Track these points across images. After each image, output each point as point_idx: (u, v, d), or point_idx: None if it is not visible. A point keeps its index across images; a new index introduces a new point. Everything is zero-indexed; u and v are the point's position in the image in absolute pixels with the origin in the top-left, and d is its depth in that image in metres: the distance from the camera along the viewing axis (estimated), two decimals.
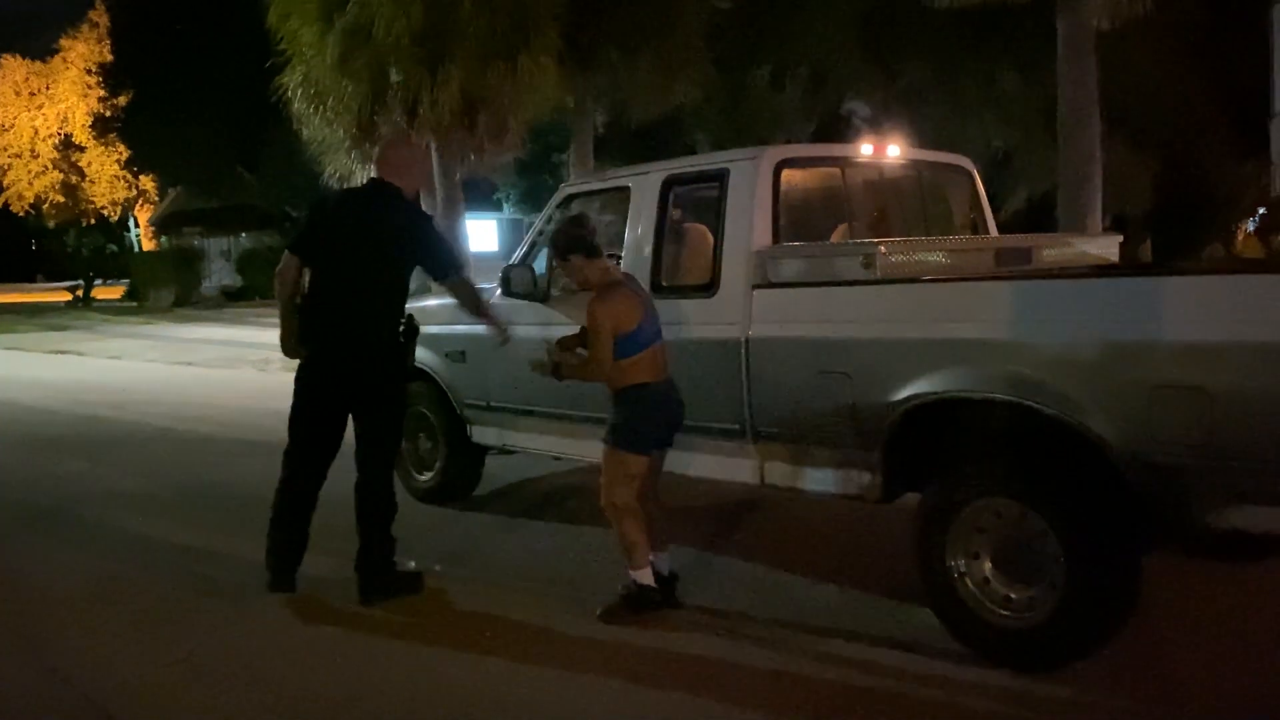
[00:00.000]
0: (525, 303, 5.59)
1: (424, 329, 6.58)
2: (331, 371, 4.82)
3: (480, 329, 6.04)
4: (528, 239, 6.04)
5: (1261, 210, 21.60)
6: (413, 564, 5.14)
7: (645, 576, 4.53)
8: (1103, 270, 5.12)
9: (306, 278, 4.85)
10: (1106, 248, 5.63)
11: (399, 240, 4.82)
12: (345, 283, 4.79)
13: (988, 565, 3.99)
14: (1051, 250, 5.35)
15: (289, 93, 13.66)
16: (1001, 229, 6.38)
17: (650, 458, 4.58)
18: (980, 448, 4.12)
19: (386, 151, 5.20)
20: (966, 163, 5.89)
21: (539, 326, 5.41)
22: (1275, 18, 7.15)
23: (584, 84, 14.93)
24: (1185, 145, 17.53)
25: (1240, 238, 21.88)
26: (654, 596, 4.53)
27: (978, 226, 5.79)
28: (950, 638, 4.04)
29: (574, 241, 4.49)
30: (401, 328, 4.91)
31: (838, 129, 20.53)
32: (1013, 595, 3.93)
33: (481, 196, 28.73)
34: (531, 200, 29.23)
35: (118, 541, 6.13)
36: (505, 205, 32.35)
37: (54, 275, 42.44)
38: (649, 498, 4.65)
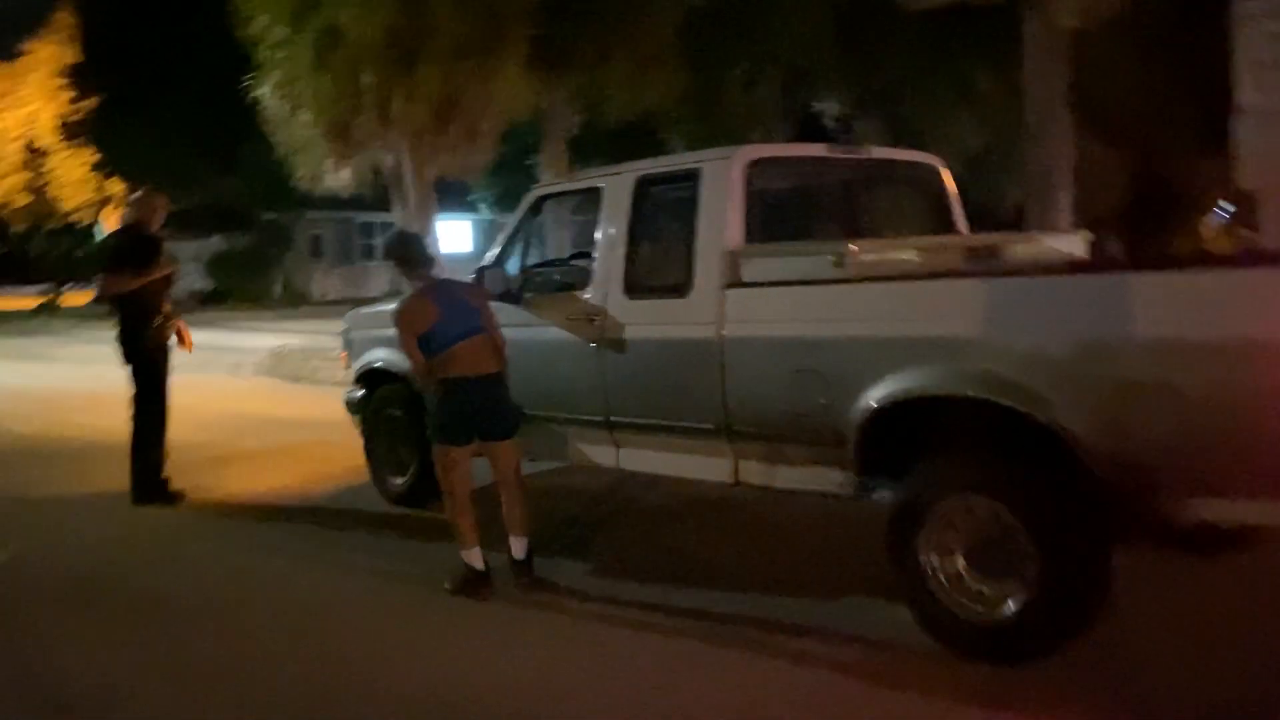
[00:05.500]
0: (499, 304, 5.58)
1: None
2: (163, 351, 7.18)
3: None
4: (500, 241, 6.04)
5: (1227, 204, 21.85)
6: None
7: (471, 557, 4.92)
8: (1070, 267, 5.16)
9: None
10: (1074, 244, 5.68)
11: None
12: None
13: (961, 561, 4.02)
14: (1020, 247, 5.40)
15: (261, 95, 13.57)
16: (998, 227, 6.42)
17: (467, 448, 4.96)
18: (952, 444, 4.15)
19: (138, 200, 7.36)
20: (937, 161, 5.93)
21: (514, 328, 5.40)
22: (1235, 14, 7.27)
23: (556, 85, 14.90)
24: (1153, 141, 17.67)
25: (1208, 233, 22.14)
26: (474, 577, 4.90)
27: (948, 225, 5.82)
28: (925, 634, 4.07)
29: (389, 254, 5.29)
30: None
31: (812, 128, 20.61)
32: (985, 591, 3.96)
33: (456, 197, 28.61)
34: (507, 202, 29.15)
35: (92, 545, 6.08)
36: (481, 206, 32.23)
37: (21, 280, 41.85)
38: (507, 485, 5.03)
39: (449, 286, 5.11)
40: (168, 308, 7.14)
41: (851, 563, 5.05)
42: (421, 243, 5.26)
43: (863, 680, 3.83)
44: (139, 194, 7.46)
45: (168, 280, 7.19)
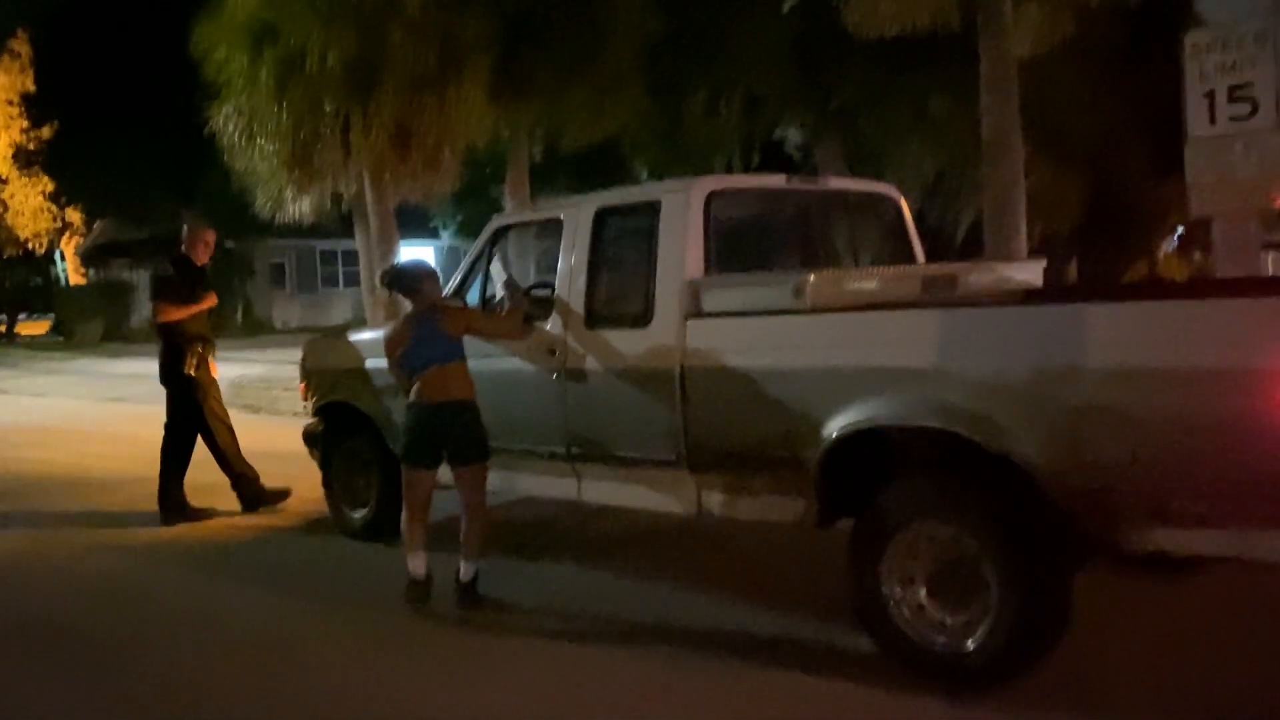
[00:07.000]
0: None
1: (363, 364, 6.51)
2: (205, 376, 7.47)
3: None
4: (461, 270, 6.01)
5: (1180, 230, 22.27)
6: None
7: (413, 560, 5.08)
8: (1026, 296, 5.22)
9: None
10: (1031, 272, 5.74)
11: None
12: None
13: (922, 591, 4.03)
14: (977, 276, 5.45)
15: (219, 124, 13.46)
16: (956, 252, 6.48)
17: (430, 471, 5.11)
18: (912, 473, 4.16)
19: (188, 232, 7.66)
20: (893, 191, 5.98)
21: (473, 359, 5.37)
22: (1186, 44, 7.45)
23: (517, 113, 14.91)
24: (1108, 166, 17.98)
25: (1161, 257, 22.53)
26: (414, 588, 5.07)
27: (906, 254, 5.87)
28: (888, 662, 4.06)
29: (393, 282, 5.38)
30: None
31: (773, 154, 20.79)
32: (948, 620, 3.97)
33: (419, 224, 28.51)
34: (470, 229, 29.08)
35: (46, 586, 5.94)
36: (442, 232, 32.16)
37: None
38: (470, 510, 5.11)
39: (430, 314, 5.15)
40: (208, 335, 7.50)
41: (815, 591, 5.04)
42: (415, 271, 5.35)
43: (826, 709, 3.82)
44: (188, 226, 7.74)
45: (211, 310, 7.55)
